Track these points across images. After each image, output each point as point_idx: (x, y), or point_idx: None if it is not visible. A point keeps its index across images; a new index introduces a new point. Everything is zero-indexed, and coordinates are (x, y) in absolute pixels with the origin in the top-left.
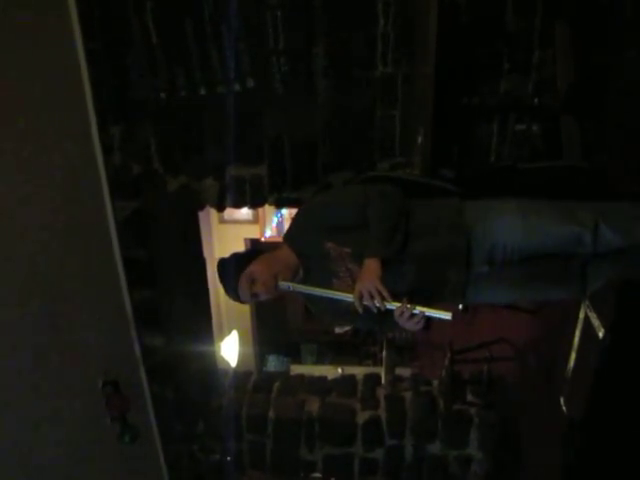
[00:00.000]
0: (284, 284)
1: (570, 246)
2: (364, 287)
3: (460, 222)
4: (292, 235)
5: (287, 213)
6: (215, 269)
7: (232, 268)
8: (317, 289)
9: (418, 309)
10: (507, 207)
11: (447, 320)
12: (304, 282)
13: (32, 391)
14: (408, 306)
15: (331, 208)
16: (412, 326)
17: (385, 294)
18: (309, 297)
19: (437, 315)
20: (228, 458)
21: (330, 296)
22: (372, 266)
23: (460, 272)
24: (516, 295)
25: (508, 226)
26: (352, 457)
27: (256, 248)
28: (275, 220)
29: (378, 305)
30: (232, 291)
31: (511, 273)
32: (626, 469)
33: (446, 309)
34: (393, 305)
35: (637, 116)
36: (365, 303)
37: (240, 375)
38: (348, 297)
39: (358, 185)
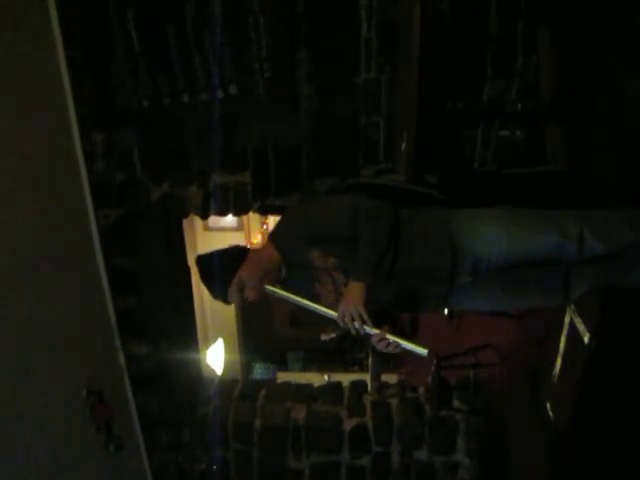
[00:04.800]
0: (269, 289)
1: (554, 255)
2: (347, 310)
3: (446, 239)
4: (277, 237)
5: (272, 221)
6: (195, 267)
7: (218, 270)
8: (301, 299)
9: (396, 340)
10: (491, 220)
11: (422, 355)
12: (287, 281)
13: (16, 401)
14: (387, 336)
15: (318, 220)
16: (387, 351)
17: (366, 319)
18: (289, 291)
19: (414, 349)
20: (214, 467)
21: (313, 310)
22: (357, 290)
23: (443, 287)
24: (499, 304)
25: (492, 240)
26: (339, 465)
27: (239, 247)
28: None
29: (358, 328)
30: (219, 294)
31: (494, 283)
32: (612, 473)
33: (423, 345)
34: (373, 331)
35: (620, 121)
36: (348, 325)
37: (226, 383)
38: (331, 314)
39: (347, 197)
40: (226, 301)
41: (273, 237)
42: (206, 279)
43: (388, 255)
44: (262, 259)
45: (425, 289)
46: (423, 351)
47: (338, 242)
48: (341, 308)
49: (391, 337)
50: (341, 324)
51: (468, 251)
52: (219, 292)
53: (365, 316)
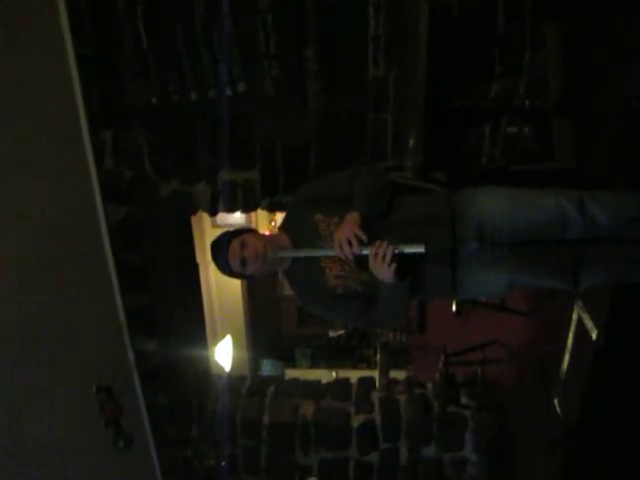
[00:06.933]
0: (271, 253)
1: (559, 225)
2: (342, 235)
3: (447, 207)
4: (285, 219)
5: (280, 218)
6: (209, 267)
7: (225, 242)
8: (300, 250)
9: (391, 245)
10: (492, 189)
11: (421, 252)
12: (293, 271)
13: (26, 397)
14: (383, 244)
15: (320, 182)
16: (385, 271)
17: (361, 235)
18: (300, 291)
19: (410, 250)
20: (222, 463)
21: (312, 254)
22: (352, 216)
23: (446, 239)
24: (508, 279)
25: (495, 201)
26: (347, 461)
27: (252, 229)
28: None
29: (356, 252)
30: (222, 259)
31: (502, 257)
32: (620, 470)
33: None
34: (369, 249)
35: (629, 117)
36: (345, 252)
37: (234, 380)
38: (329, 251)
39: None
40: (228, 267)
41: (282, 224)
42: (214, 253)
43: (384, 192)
44: (269, 236)
45: (429, 267)
46: (420, 248)
47: (339, 203)
48: (336, 237)
49: (386, 245)
50: (338, 253)
51: (471, 215)
52: (222, 257)
53: (359, 232)
